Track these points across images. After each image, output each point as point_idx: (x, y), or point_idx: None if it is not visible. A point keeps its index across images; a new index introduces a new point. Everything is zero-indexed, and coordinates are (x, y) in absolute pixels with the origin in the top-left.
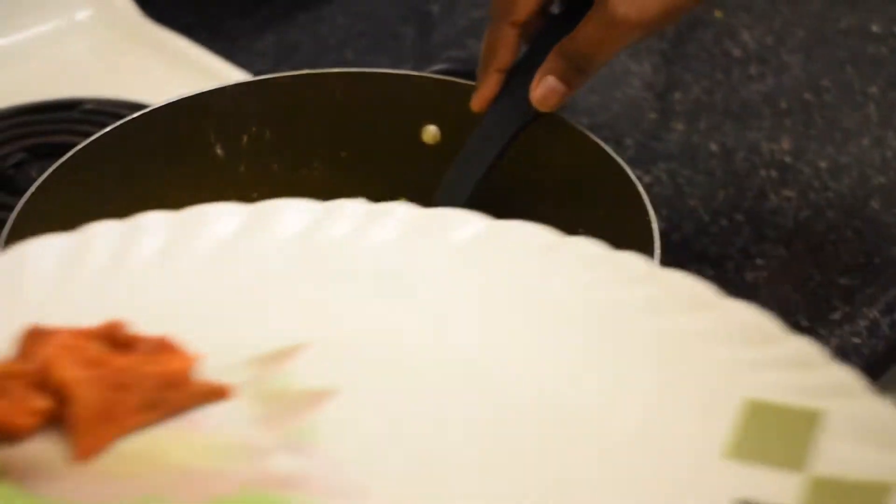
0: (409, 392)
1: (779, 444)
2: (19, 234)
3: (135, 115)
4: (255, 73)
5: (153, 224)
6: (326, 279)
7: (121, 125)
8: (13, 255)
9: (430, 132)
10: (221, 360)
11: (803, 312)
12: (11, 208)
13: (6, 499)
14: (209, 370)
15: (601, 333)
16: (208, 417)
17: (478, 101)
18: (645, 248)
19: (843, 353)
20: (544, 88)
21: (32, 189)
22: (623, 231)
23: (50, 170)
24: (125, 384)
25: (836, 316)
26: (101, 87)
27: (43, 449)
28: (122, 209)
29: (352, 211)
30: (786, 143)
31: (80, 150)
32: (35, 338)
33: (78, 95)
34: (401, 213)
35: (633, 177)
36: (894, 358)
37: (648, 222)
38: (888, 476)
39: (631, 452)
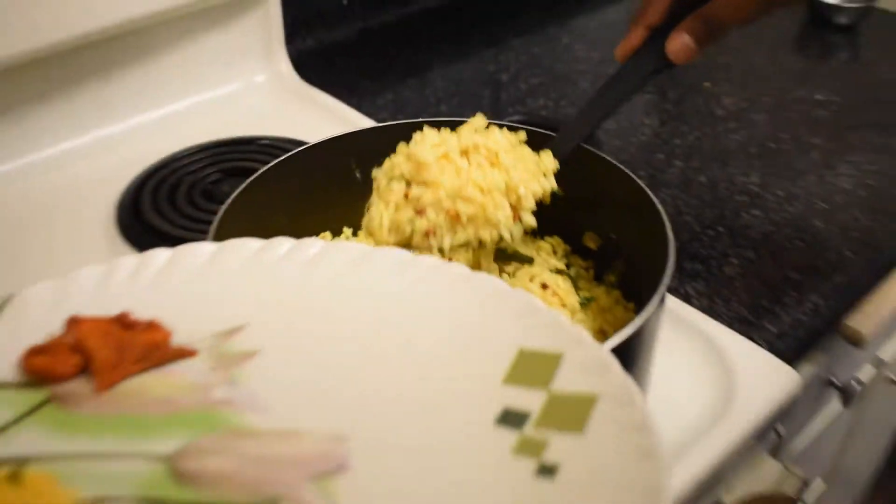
0: (305, 353)
1: (535, 374)
2: (221, 232)
3: (298, 149)
4: (379, 121)
5: (193, 249)
6: (280, 288)
7: (288, 156)
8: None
9: None
10: (196, 334)
11: (765, 297)
12: (215, 213)
13: (54, 415)
14: (182, 340)
15: (432, 307)
16: (178, 368)
17: (622, 50)
18: (662, 248)
19: (794, 327)
20: (680, 43)
21: (230, 200)
22: (645, 236)
23: (241, 186)
24: (126, 347)
25: (789, 301)
26: (272, 129)
27: (77, 386)
28: (290, 216)
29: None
30: (754, 178)
31: (261, 173)
32: (73, 321)
33: (256, 134)
34: (345, 252)
35: (653, 198)
36: (829, 330)
37: (665, 231)
38: (595, 390)
39: (441, 377)
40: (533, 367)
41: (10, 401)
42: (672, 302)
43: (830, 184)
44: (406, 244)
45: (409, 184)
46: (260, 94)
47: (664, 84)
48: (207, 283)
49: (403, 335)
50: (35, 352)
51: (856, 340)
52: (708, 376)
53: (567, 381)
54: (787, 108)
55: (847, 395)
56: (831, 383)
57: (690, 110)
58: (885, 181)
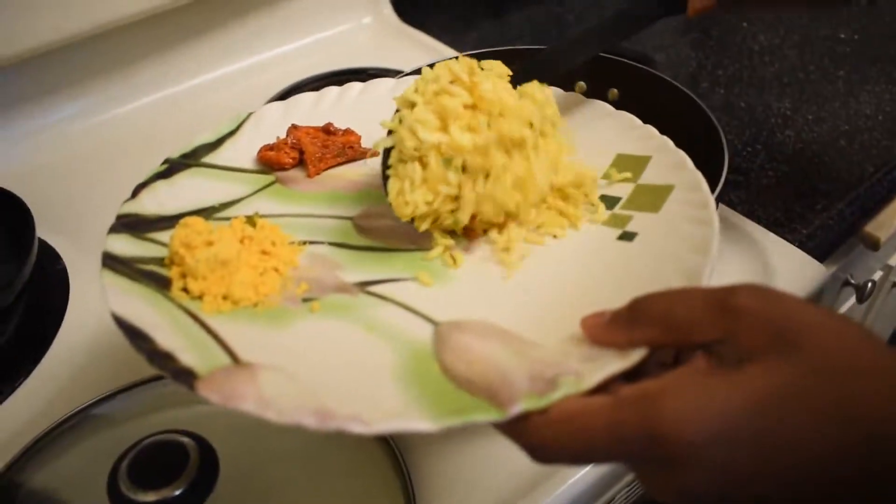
0: None
1: (628, 171)
2: None
3: (398, 76)
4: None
5: (380, 83)
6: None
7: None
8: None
9: (581, 86)
10: (373, 139)
11: (797, 204)
12: None
13: (278, 191)
14: (368, 143)
15: None
16: (367, 163)
17: None
18: (716, 156)
19: (822, 229)
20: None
21: None
22: (698, 148)
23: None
24: (328, 146)
25: (818, 207)
26: (377, 61)
27: (294, 174)
28: None
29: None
30: (786, 103)
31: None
32: (293, 128)
33: (364, 66)
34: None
35: (709, 112)
36: (851, 232)
37: (720, 139)
38: (672, 182)
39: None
40: (626, 166)
41: (248, 181)
42: (720, 207)
43: (853, 109)
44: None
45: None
46: (366, 33)
47: (707, 24)
48: (387, 105)
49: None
50: (266, 148)
51: (873, 244)
52: (748, 269)
53: (652, 176)
54: (814, 44)
55: (861, 293)
56: (849, 283)
57: (731, 46)
58: None
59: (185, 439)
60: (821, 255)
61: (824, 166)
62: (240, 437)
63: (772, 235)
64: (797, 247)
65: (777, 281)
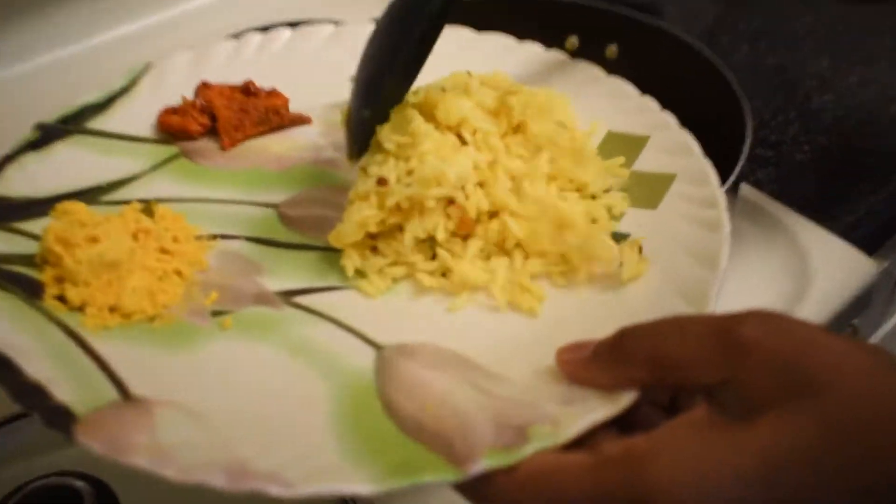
0: None
1: (620, 153)
2: None
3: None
4: None
5: (314, 30)
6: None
7: None
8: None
9: (572, 42)
10: (309, 104)
11: (839, 185)
12: None
13: (183, 167)
14: (299, 108)
15: None
16: (295, 133)
17: None
18: (737, 127)
19: (870, 216)
20: None
21: None
22: (716, 118)
23: None
24: (248, 110)
25: (864, 188)
26: (321, 11)
27: (204, 144)
28: None
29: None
30: (824, 62)
31: None
32: (203, 87)
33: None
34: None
35: (727, 73)
36: None
37: (743, 113)
38: (674, 170)
39: None
40: (618, 147)
41: (146, 153)
42: (744, 189)
43: None
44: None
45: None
46: None
47: None
48: (324, 60)
49: None
50: (169, 112)
51: None
52: (781, 265)
53: (649, 161)
54: None
55: None
56: None
57: None
58: None
59: (79, 483)
60: (869, 247)
61: (870, 138)
62: (142, 477)
63: (808, 223)
64: (839, 237)
65: (817, 280)
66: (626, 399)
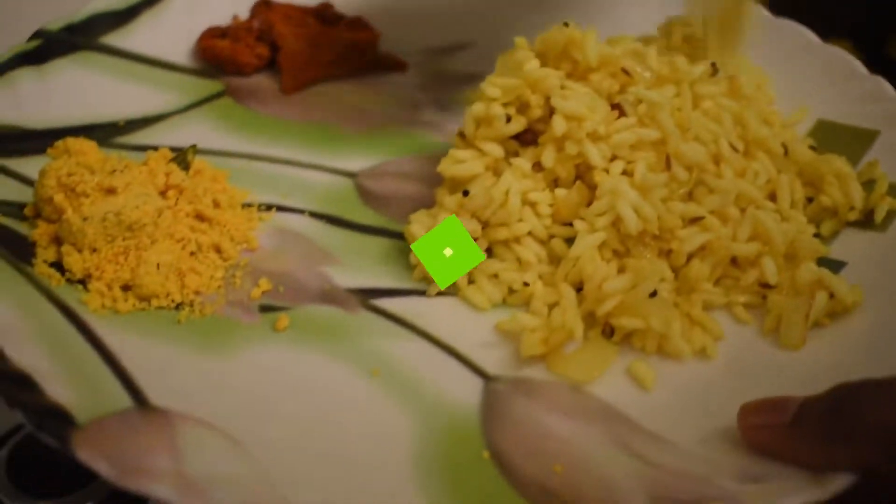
0: None
1: (836, 150)
2: None
3: None
4: None
5: None
6: None
7: None
8: None
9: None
10: (401, 42)
11: None
12: None
13: (230, 109)
14: (392, 48)
15: None
16: (384, 81)
17: None
18: None
19: None
20: None
21: None
22: None
23: None
24: (322, 43)
25: None
26: None
27: (259, 82)
28: None
29: None
30: None
31: None
32: (264, 4)
33: None
34: None
35: None
36: None
37: None
38: None
39: None
40: (833, 141)
41: (179, 85)
42: None
43: None
44: None
45: None
46: None
47: None
48: None
49: None
50: (215, 34)
51: None
52: None
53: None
54: None
55: None
56: None
57: None
58: None
59: None
60: None
61: None
62: None
63: None
64: None
65: None
66: (837, 483)
